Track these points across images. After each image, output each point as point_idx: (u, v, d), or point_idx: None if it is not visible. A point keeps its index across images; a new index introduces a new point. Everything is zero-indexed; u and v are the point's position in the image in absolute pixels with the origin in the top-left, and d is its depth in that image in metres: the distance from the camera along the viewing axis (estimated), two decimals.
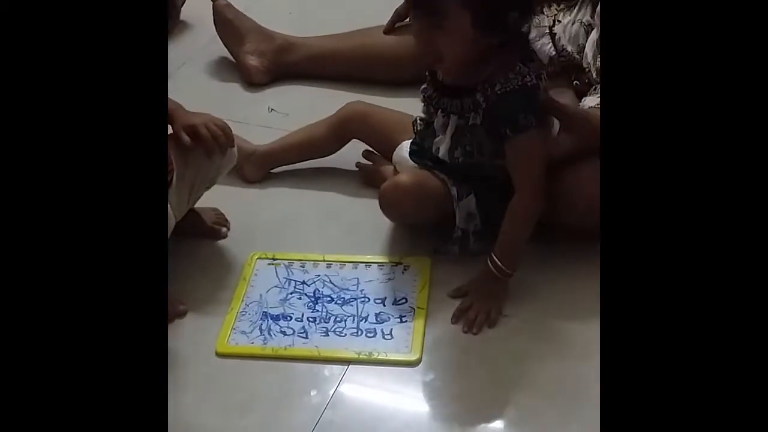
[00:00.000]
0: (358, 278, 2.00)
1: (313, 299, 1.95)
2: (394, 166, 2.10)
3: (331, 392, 1.77)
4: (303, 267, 2.03)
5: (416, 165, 2.01)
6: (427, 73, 1.96)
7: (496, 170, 1.90)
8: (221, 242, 2.11)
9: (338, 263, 2.04)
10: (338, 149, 2.26)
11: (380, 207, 1.99)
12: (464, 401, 1.75)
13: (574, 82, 2.18)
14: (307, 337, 1.87)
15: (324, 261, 2.04)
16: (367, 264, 2.03)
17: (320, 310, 1.93)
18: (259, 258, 2.05)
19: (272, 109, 2.55)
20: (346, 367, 1.82)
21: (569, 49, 2.18)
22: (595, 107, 2.01)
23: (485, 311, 1.87)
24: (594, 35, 2.14)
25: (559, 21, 2.21)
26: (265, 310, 1.93)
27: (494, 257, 1.88)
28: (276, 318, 1.91)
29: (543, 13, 2.23)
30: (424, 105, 1.98)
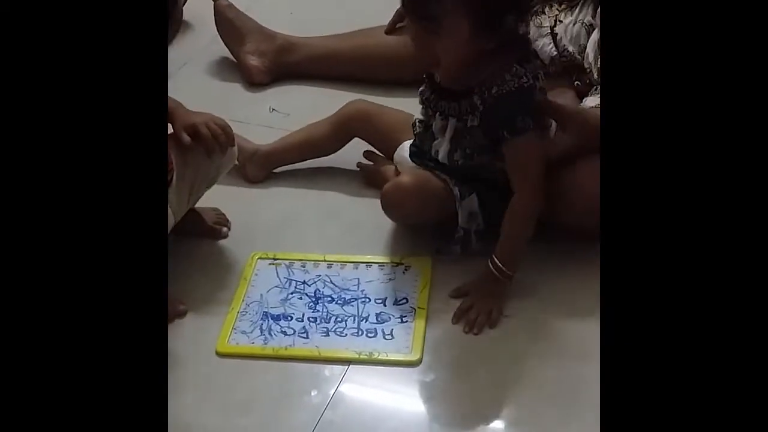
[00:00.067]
0: (358, 278, 2.00)
1: (313, 299, 1.95)
2: (396, 166, 2.10)
3: (332, 392, 1.77)
4: (304, 267, 2.03)
5: (417, 166, 2.01)
6: (424, 76, 1.96)
7: (496, 172, 1.90)
8: (222, 242, 2.11)
9: (339, 263, 2.04)
10: (340, 148, 2.26)
11: (382, 207, 1.99)
12: (465, 401, 1.75)
13: (576, 82, 2.18)
14: (307, 337, 1.87)
15: (325, 261, 2.04)
16: (368, 264, 2.03)
17: (321, 310, 1.93)
18: (259, 258, 2.05)
19: (273, 109, 2.55)
20: (347, 367, 1.82)
21: (570, 49, 2.18)
22: (595, 107, 2.01)
23: (486, 312, 1.87)
24: (595, 35, 2.14)
25: (561, 21, 2.21)
26: (266, 310, 1.93)
27: (495, 259, 1.88)
28: (277, 318, 1.91)
29: (544, 13, 2.23)
30: (422, 107, 1.98)
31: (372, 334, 1.87)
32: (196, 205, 2.07)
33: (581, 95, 2.16)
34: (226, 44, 2.71)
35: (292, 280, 2.00)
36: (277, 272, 2.02)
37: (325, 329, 1.88)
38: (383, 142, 2.20)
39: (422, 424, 1.74)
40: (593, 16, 2.18)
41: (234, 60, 2.70)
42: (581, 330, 1.82)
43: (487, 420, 1.73)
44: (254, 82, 2.64)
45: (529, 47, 1.93)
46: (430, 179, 1.95)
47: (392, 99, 2.37)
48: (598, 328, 1.18)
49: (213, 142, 1.91)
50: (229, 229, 2.13)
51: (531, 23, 2.20)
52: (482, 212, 1.95)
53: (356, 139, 2.24)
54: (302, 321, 1.90)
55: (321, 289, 1.98)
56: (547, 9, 2.24)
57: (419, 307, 1.91)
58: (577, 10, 2.21)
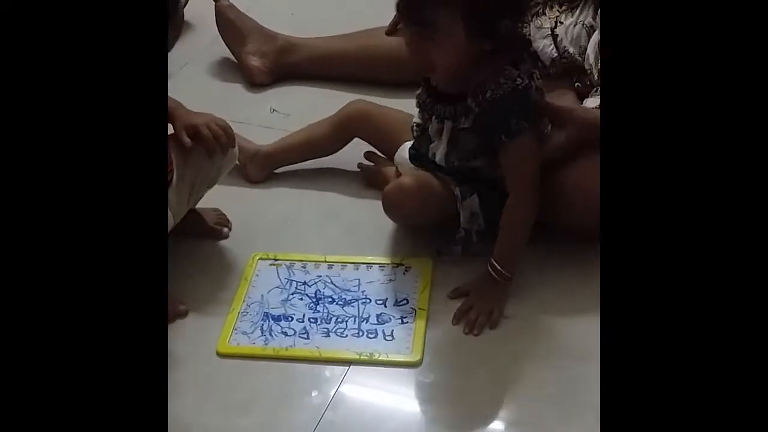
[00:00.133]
0: (359, 279, 2.00)
1: (314, 300, 1.95)
2: (396, 167, 2.10)
3: (332, 393, 1.77)
4: (304, 268, 2.03)
5: (417, 167, 2.01)
6: (421, 79, 1.96)
7: (494, 173, 1.90)
8: (223, 242, 2.11)
9: (340, 264, 2.04)
10: (340, 148, 2.26)
11: (384, 208, 1.99)
12: (465, 402, 1.75)
13: (576, 83, 2.18)
14: (308, 338, 1.87)
15: (325, 262, 2.04)
16: (369, 265, 2.03)
17: (321, 310, 1.93)
18: (260, 258, 2.05)
19: (274, 110, 2.55)
20: (347, 367, 1.82)
21: (571, 50, 2.18)
22: (596, 108, 2.01)
23: (486, 312, 1.87)
24: (596, 37, 2.14)
25: (561, 22, 2.21)
26: (267, 310, 1.93)
27: (494, 262, 1.89)
28: (277, 318, 1.91)
29: (545, 14, 2.23)
30: (419, 111, 1.98)
31: (372, 335, 1.87)
32: (197, 206, 2.07)
33: (582, 96, 2.16)
34: (227, 45, 2.71)
35: (292, 280, 2.00)
36: (277, 273, 2.02)
37: (325, 330, 1.88)
38: (384, 142, 2.20)
39: (423, 425, 1.74)
40: (594, 18, 2.18)
41: (235, 60, 2.70)
42: (581, 330, 1.82)
43: (488, 420, 1.73)
44: (255, 82, 2.65)
45: (525, 48, 1.92)
46: (431, 180, 1.95)
47: (393, 100, 2.37)
48: (598, 328, 1.18)
49: (214, 142, 1.91)
50: (230, 229, 2.13)
51: (531, 24, 2.21)
52: (483, 212, 1.95)
53: (357, 140, 2.24)
54: (303, 322, 1.90)
55: (322, 290, 1.98)
56: (547, 10, 2.24)
57: (420, 308, 1.91)
58: (577, 11, 2.21)
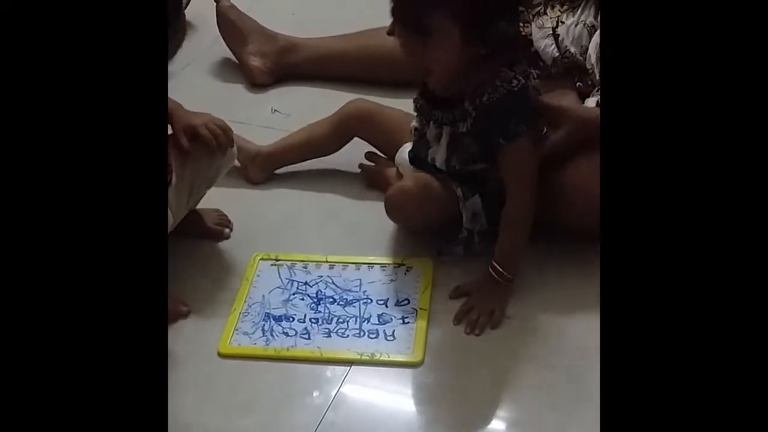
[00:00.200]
0: (360, 279, 2.00)
1: (315, 300, 1.95)
2: (397, 168, 2.10)
3: (334, 393, 1.77)
4: (306, 268, 2.03)
5: (417, 169, 2.01)
6: (419, 83, 1.95)
7: (496, 174, 1.90)
8: (224, 243, 2.11)
9: (341, 264, 2.04)
10: (340, 147, 2.26)
11: (386, 212, 1.99)
12: (466, 402, 1.75)
13: (578, 83, 2.18)
14: (309, 338, 1.87)
15: (327, 262, 2.04)
16: (370, 265, 2.03)
17: (323, 311, 1.93)
18: (261, 259, 2.05)
19: (275, 110, 2.55)
20: (349, 368, 1.82)
21: (572, 50, 2.18)
22: (593, 107, 2.01)
23: (488, 313, 1.87)
24: (597, 37, 2.14)
25: (563, 22, 2.20)
26: (268, 310, 1.93)
27: (495, 264, 1.89)
28: (278, 319, 1.91)
29: (546, 14, 2.23)
30: (417, 115, 1.98)
31: (374, 335, 1.87)
32: (198, 207, 2.07)
33: (583, 96, 2.15)
34: (228, 45, 2.71)
35: (293, 281, 2.00)
36: (278, 273, 2.02)
37: (326, 330, 1.88)
38: (384, 142, 2.20)
39: (424, 425, 1.74)
40: (595, 17, 2.18)
41: (236, 61, 2.71)
42: (581, 330, 1.82)
43: (489, 420, 1.73)
44: (256, 82, 2.65)
45: (520, 49, 1.92)
46: (432, 182, 1.95)
47: (394, 100, 2.37)
48: (598, 328, 1.18)
49: (213, 142, 1.91)
50: (231, 230, 2.13)
51: (533, 24, 2.21)
52: (485, 212, 1.95)
53: (358, 141, 2.24)
54: (304, 322, 1.90)
55: (323, 290, 1.98)
56: (549, 10, 2.24)
57: (421, 308, 1.91)
58: (579, 11, 2.20)
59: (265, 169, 2.29)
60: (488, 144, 1.86)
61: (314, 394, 1.78)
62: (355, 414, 1.75)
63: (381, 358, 1.82)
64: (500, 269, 1.88)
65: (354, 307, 1.93)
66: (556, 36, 2.20)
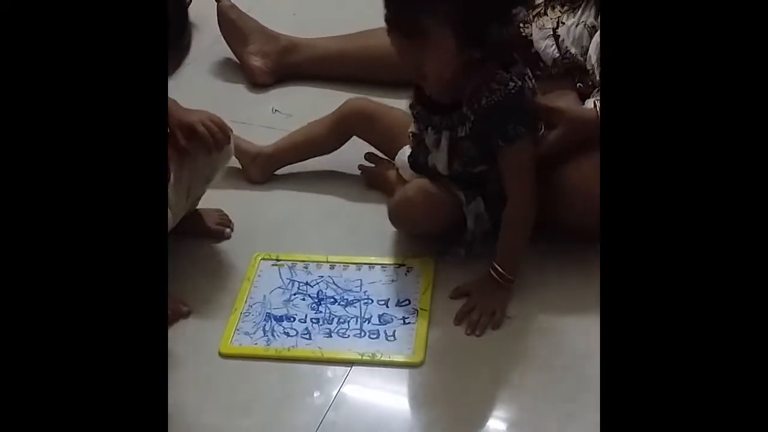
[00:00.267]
0: (361, 279, 2.00)
1: (316, 300, 1.95)
2: (397, 169, 2.10)
3: (334, 393, 1.77)
4: (306, 268, 2.03)
5: (418, 174, 2.01)
6: (414, 89, 1.95)
7: (495, 175, 1.90)
8: (225, 243, 2.12)
9: (342, 264, 2.04)
10: (340, 146, 2.26)
11: (391, 221, 2.00)
12: (467, 402, 1.75)
13: (578, 84, 2.18)
14: (310, 338, 1.87)
15: (327, 262, 2.04)
16: (371, 265, 2.03)
17: (323, 311, 1.93)
18: (262, 259, 2.05)
19: (276, 110, 2.55)
20: (349, 368, 1.82)
21: (573, 51, 2.18)
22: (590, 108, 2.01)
23: (489, 313, 1.87)
24: (598, 37, 2.14)
25: (563, 23, 2.20)
26: (269, 311, 1.93)
27: (496, 265, 1.89)
28: (279, 319, 1.91)
29: (547, 14, 2.23)
30: (414, 122, 1.98)
31: (374, 336, 1.87)
32: (199, 207, 2.07)
33: (584, 97, 2.15)
34: (229, 45, 2.71)
35: (294, 281, 2.00)
36: (279, 273, 2.02)
37: (327, 330, 1.89)
38: (383, 141, 2.19)
39: (425, 425, 1.74)
40: (596, 18, 2.17)
41: (237, 61, 2.70)
42: (582, 330, 1.82)
43: (489, 420, 1.74)
44: (257, 82, 2.65)
45: (519, 50, 1.91)
46: (435, 189, 1.94)
47: (395, 100, 2.36)
48: (598, 328, 1.18)
49: (210, 140, 1.91)
50: (232, 230, 2.13)
51: (533, 25, 2.21)
52: (489, 213, 1.95)
53: (358, 142, 2.23)
54: (305, 322, 1.90)
55: (324, 290, 1.98)
56: (549, 11, 2.23)
57: (421, 309, 1.91)
58: (579, 11, 2.20)
59: (265, 169, 2.29)
60: (487, 147, 1.86)
61: (315, 395, 1.78)
62: (356, 414, 1.75)
63: (382, 359, 1.82)
64: (502, 271, 1.88)
65: (355, 307, 1.93)
66: (556, 37, 2.20)
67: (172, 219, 1.87)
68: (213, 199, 2.11)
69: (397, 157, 2.08)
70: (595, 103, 1.99)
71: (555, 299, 1.91)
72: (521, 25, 1.93)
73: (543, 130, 1.91)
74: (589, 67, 2.15)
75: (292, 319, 1.91)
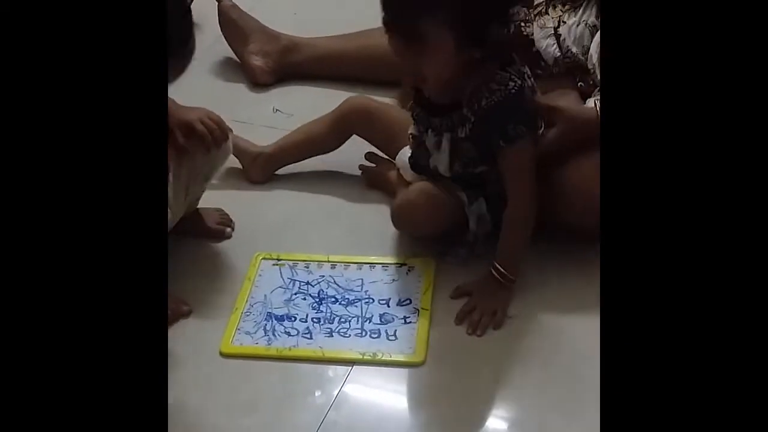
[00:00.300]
0: (362, 279, 2.00)
1: (317, 300, 1.95)
2: (397, 169, 2.10)
3: (335, 393, 1.77)
4: (307, 268, 2.04)
5: (418, 175, 2.01)
6: (413, 91, 1.94)
7: (496, 176, 1.90)
8: (226, 243, 2.12)
9: (343, 264, 2.04)
10: (340, 144, 2.25)
11: (393, 224, 2.01)
12: (468, 402, 1.75)
13: (579, 83, 2.18)
14: (311, 338, 1.87)
15: (328, 262, 2.04)
16: (372, 265, 2.03)
17: (324, 310, 1.93)
18: (263, 258, 2.05)
19: (277, 110, 2.55)
20: (350, 367, 1.82)
21: (574, 50, 2.18)
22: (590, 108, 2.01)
23: (490, 313, 1.87)
24: (599, 36, 2.14)
25: (564, 22, 2.20)
26: (270, 310, 1.94)
27: (497, 266, 1.89)
28: (280, 318, 1.91)
29: (548, 14, 2.23)
30: (414, 123, 1.97)
31: (375, 335, 1.87)
32: (200, 206, 2.07)
33: (585, 96, 2.15)
34: (229, 44, 2.71)
35: (295, 280, 2.01)
36: (280, 273, 2.02)
37: (328, 330, 1.89)
38: (384, 140, 2.19)
39: (426, 425, 1.74)
40: (597, 17, 2.17)
41: (238, 60, 2.71)
42: (582, 330, 1.82)
43: (491, 420, 1.74)
44: (258, 82, 2.65)
45: (519, 50, 1.91)
46: (437, 191, 1.94)
47: (395, 100, 2.37)
48: (598, 328, 1.18)
49: (209, 138, 1.91)
50: (233, 229, 2.14)
51: (534, 24, 2.21)
52: (491, 213, 1.95)
53: (358, 141, 2.23)
54: (306, 321, 1.91)
55: (325, 290, 1.98)
56: (550, 10, 2.24)
57: (423, 308, 1.91)
58: (580, 11, 2.20)
59: (266, 169, 2.29)
60: (488, 147, 1.86)
61: (316, 394, 1.78)
62: (357, 413, 1.75)
63: (383, 358, 1.82)
64: (503, 271, 1.88)
65: (356, 306, 1.93)
66: (557, 36, 2.20)
67: (171, 218, 1.87)
68: (213, 199, 2.11)
69: (397, 158, 2.08)
70: (595, 102, 1.99)
71: (555, 299, 1.91)
72: (522, 24, 1.92)
73: (543, 128, 1.91)
74: (590, 67, 2.15)
75: (293, 319, 1.91)
